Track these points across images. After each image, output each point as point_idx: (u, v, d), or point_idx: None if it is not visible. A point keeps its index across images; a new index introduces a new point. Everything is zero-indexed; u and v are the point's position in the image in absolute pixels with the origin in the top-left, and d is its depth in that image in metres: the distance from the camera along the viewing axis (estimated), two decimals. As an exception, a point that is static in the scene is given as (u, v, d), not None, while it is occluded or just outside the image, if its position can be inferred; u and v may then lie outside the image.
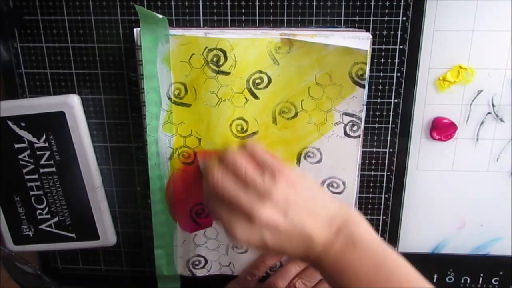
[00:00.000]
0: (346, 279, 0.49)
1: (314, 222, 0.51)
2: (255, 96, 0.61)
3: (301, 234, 0.50)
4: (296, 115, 0.62)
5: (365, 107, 0.61)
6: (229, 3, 0.62)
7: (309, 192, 0.53)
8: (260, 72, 0.60)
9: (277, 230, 0.50)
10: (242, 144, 0.54)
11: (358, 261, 0.49)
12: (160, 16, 0.57)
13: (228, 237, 0.52)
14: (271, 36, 0.58)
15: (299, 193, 0.52)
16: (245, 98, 0.61)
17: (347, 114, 0.61)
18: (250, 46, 0.58)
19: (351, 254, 0.49)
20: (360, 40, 0.58)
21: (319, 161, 0.64)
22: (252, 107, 0.61)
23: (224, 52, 0.59)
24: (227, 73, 0.59)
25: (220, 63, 0.59)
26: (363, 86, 0.60)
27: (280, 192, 0.51)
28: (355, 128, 0.62)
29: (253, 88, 0.60)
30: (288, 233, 0.50)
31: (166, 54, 0.59)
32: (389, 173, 0.68)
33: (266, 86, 0.60)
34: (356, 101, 0.60)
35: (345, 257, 0.49)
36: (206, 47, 0.58)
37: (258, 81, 0.60)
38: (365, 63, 0.58)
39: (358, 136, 0.62)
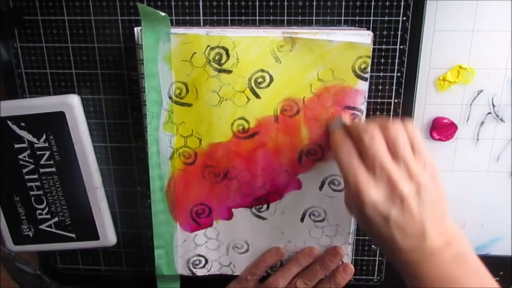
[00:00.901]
0: None
1: (434, 224, 0.51)
2: (256, 96, 0.61)
3: (420, 228, 0.51)
4: (298, 112, 0.62)
5: (366, 99, 0.61)
6: (229, 3, 0.62)
7: (442, 195, 0.53)
8: (262, 71, 0.60)
9: (406, 211, 0.50)
10: (404, 122, 0.54)
11: (468, 276, 0.50)
12: (163, 14, 0.57)
13: (356, 193, 0.51)
14: (273, 34, 0.58)
15: (437, 192, 0.52)
16: (247, 97, 0.61)
17: (348, 108, 0.61)
18: (252, 44, 0.58)
19: (461, 268, 0.51)
20: (362, 36, 0.58)
21: (321, 158, 0.64)
22: (253, 107, 0.61)
23: (227, 50, 0.59)
24: (229, 72, 0.59)
25: (222, 61, 0.59)
26: (365, 79, 0.60)
27: (426, 181, 0.51)
28: (356, 120, 0.62)
29: (255, 87, 0.60)
30: (412, 219, 0.50)
31: (167, 53, 0.59)
32: (389, 173, 0.68)
33: (268, 85, 0.60)
34: (358, 94, 0.61)
35: (453, 269, 0.50)
36: (208, 45, 0.58)
37: (260, 80, 0.60)
38: (369, 57, 0.59)
39: None
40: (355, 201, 0.52)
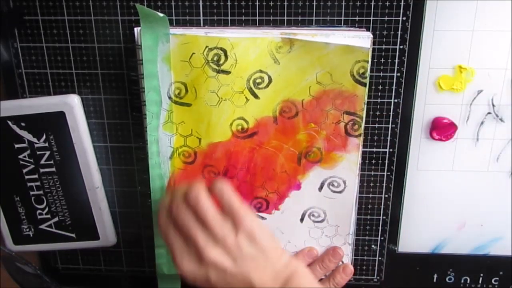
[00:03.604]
0: None
1: (261, 274, 0.53)
2: (255, 96, 0.61)
3: (246, 282, 0.53)
4: (296, 114, 0.62)
5: (365, 105, 0.61)
6: (229, 3, 0.62)
7: (264, 244, 0.55)
8: (261, 71, 0.60)
9: (224, 273, 0.53)
10: (212, 183, 0.57)
11: None
12: (161, 14, 0.57)
13: (176, 266, 0.55)
14: (272, 35, 0.58)
15: (255, 244, 0.54)
16: (246, 97, 0.61)
17: (348, 113, 0.61)
18: (250, 45, 0.58)
19: None
20: (361, 39, 0.58)
21: (320, 160, 0.64)
22: (252, 107, 0.61)
23: (225, 51, 0.59)
24: (227, 72, 0.59)
25: (221, 62, 0.59)
26: (364, 85, 0.60)
27: (236, 240, 0.54)
28: (356, 127, 0.62)
29: (253, 88, 0.60)
30: (233, 278, 0.53)
31: (167, 53, 0.59)
32: (389, 173, 0.68)
33: (267, 85, 0.60)
34: (357, 99, 0.60)
35: None
36: (206, 46, 0.58)
37: (258, 80, 0.60)
38: (367, 61, 0.58)
39: (359, 135, 0.62)
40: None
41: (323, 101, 0.61)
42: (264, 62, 0.59)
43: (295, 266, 0.55)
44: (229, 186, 0.56)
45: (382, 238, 0.71)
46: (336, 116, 0.61)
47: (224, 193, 0.56)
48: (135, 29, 0.59)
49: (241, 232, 0.54)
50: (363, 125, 0.62)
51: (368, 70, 0.59)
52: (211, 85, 0.60)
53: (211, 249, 0.53)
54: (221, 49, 0.58)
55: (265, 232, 0.56)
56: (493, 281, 0.72)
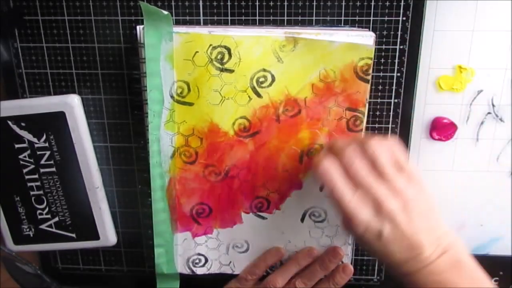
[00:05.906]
0: None
1: (427, 234, 0.52)
2: (258, 95, 0.61)
3: (414, 240, 0.51)
4: (299, 112, 0.62)
5: (367, 102, 0.61)
6: (229, 3, 0.62)
7: (431, 205, 0.54)
8: (264, 70, 0.60)
9: (397, 227, 0.51)
10: (385, 139, 0.55)
11: (463, 281, 0.51)
12: (165, 12, 0.57)
13: (348, 217, 0.53)
14: (275, 34, 0.58)
15: (426, 202, 0.53)
16: (249, 96, 0.61)
17: (350, 109, 0.61)
18: (254, 43, 0.58)
19: (457, 273, 0.51)
20: (364, 38, 0.58)
21: (322, 157, 0.64)
22: (255, 106, 0.61)
23: (229, 49, 0.59)
24: (231, 71, 0.59)
25: (225, 60, 0.59)
26: (367, 81, 0.60)
27: (412, 195, 0.52)
28: (357, 122, 0.62)
29: (256, 87, 0.60)
30: (404, 234, 0.51)
31: (170, 52, 0.59)
32: (389, 173, 0.68)
33: (270, 84, 0.60)
34: (360, 96, 0.61)
35: (449, 275, 0.51)
36: (210, 45, 0.58)
37: (262, 79, 0.60)
38: (371, 58, 0.59)
39: (361, 130, 0.62)
40: (349, 223, 0.53)
41: (326, 99, 0.61)
42: (267, 60, 0.59)
43: (454, 236, 0.54)
44: (397, 144, 0.56)
45: (382, 238, 0.71)
46: (338, 112, 0.62)
47: (398, 150, 0.55)
48: (138, 27, 0.59)
49: (416, 188, 0.53)
50: (365, 120, 0.62)
51: (371, 67, 0.59)
52: (214, 84, 0.60)
53: (390, 201, 0.52)
54: (225, 47, 0.58)
55: (431, 193, 0.55)
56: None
